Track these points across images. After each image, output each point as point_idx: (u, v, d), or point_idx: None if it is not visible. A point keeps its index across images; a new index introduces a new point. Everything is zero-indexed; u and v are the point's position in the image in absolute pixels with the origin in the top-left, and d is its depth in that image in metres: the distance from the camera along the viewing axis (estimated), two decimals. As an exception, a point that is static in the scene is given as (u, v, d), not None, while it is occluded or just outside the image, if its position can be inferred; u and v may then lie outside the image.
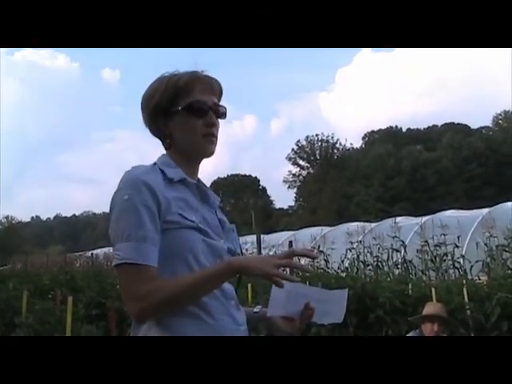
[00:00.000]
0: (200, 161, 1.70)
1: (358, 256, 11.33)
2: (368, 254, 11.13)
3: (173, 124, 1.63)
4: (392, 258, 10.82)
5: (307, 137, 61.75)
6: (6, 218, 67.78)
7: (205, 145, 1.64)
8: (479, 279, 8.10)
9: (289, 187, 62.49)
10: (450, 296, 6.03)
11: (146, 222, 1.45)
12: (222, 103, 1.70)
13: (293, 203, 63.53)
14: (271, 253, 12.46)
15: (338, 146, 61.48)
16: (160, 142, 1.70)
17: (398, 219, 13.61)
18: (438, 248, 10.01)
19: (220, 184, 59.73)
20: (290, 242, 11.06)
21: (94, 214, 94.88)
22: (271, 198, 66.42)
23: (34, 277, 12.58)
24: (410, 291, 6.53)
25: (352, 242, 12.09)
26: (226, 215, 1.73)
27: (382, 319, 6.07)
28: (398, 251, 10.87)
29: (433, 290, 5.86)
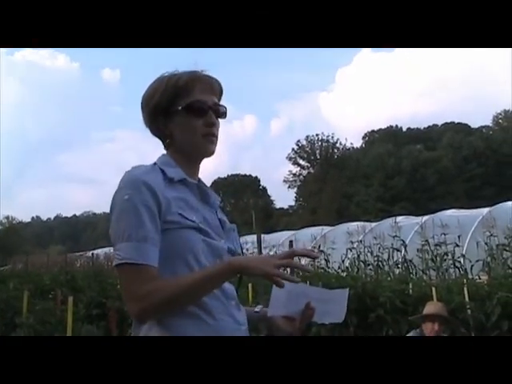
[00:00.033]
0: (200, 161, 1.69)
1: (358, 256, 11.34)
2: (368, 254, 11.14)
3: (173, 124, 1.63)
4: (392, 257, 10.83)
5: (307, 136, 61.82)
6: (7, 218, 67.84)
7: (205, 145, 1.64)
8: (480, 278, 8.11)
9: (289, 187, 62.56)
10: (450, 295, 6.04)
11: (146, 222, 1.45)
12: (222, 103, 1.70)
13: (293, 203, 63.61)
14: (272, 252, 12.46)
15: (338, 145, 61.53)
16: (160, 142, 1.69)
17: (399, 219, 13.63)
18: (438, 247, 10.02)
19: (220, 184, 59.71)
20: (291, 242, 11.07)
21: (95, 214, 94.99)
22: (271, 198, 66.49)
23: (35, 277, 12.58)
24: (411, 291, 6.54)
25: (352, 242, 12.10)
26: (226, 215, 1.73)
27: (382, 319, 6.07)
28: (398, 251, 10.88)
29: (433, 289, 5.86)
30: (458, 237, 10.27)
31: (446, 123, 61.68)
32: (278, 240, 16.23)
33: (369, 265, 10.84)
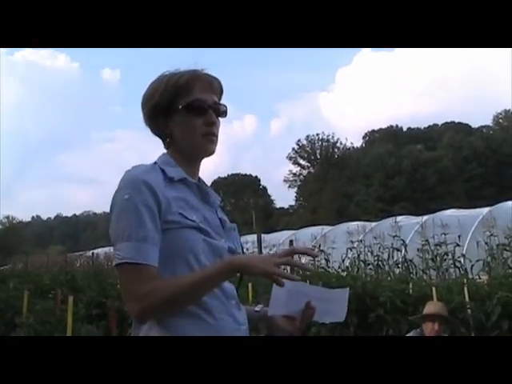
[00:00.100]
0: (200, 160, 1.69)
1: (358, 255, 11.35)
2: (368, 254, 11.16)
3: (173, 123, 1.63)
4: (392, 257, 10.84)
5: (308, 136, 61.82)
6: (7, 217, 67.82)
7: (205, 144, 1.63)
8: (480, 278, 8.11)
9: (289, 187, 62.56)
10: (450, 295, 6.04)
11: (146, 222, 1.45)
12: (222, 102, 1.70)
13: (293, 202, 63.61)
14: (272, 252, 12.46)
15: (338, 145, 61.55)
16: (160, 142, 1.69)
17: (399, 218, 13.64)
18: (438, 247, 10.03)
19: (220, 183, 59.69)
20: (291, 242, 11.08)
21: (95, 213, 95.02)
22: (272, 198, 66.49)
23: (35, 277, 12.59)
24: (411, 290, 6.54)
25: (352, 242, 12.11)
26: (226, 215, 1.72)
27: (382, 318, 6.07)
28: (398, 250, 10.89)
29: (433, 289, 5.86)
30: (458, 237, 10.28)
31: (447, 123, 61.67)
32: (278, 240, 16.23)
33: (369, 264, 10.85)
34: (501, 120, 61.73)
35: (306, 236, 15.51)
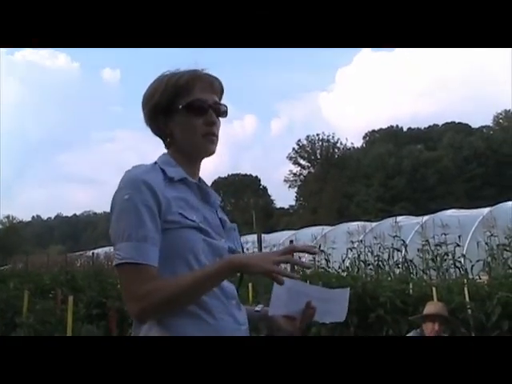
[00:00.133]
0: (201, 160, 1.69)
1: (358, 255, 11.34)
2: (369, 254, 11.15)
3: (173, 123, 1.63)
4: (393, 257, 10.84)
5: (308, 136, 61.85)
6: (7, 217, 67.84)
7: (205, 144, 1.63)
8: (480, 278, 8.11)
9: (289, 187, 62.57)
10: (450, 295, 6.04)
11: (146, 222, 1.44)
12: (222, 102, 1.69)
13: (293, 203, 63.63)
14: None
15: (338, 145, 61.58)
16: (160, 142, 1.69)
17: (399, 218, 13.63)
18: (438, 247, 10.03)
19: (221, 183, 59.70)
20: (291, 242, 11.05)
21: (95, 213, 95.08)
22: (272, 198, 66.52)
23: (35, 276, 12.59)
24: (411, 291, 6.53)
25: (353, 242, 12.10)
26: (226, 215, 1.72)
27: (382, 319, 6.07)
28: (398, 250, 10.88)
29: (434, 289, 5.86)
30: (459, 237, 10.28)
31: (447, 123, 61.67)
32: (278, 240, 16.21)
33: (369, 265, 10.85)
34: (501, 120, 61.73)
35: (306, 236, 15.50)
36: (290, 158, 62.49)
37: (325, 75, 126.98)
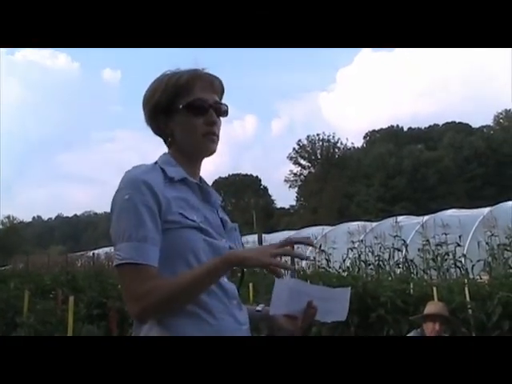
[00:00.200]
0: (201, 160, 1.69)
1: (359, 255, 11.35)
2: (369, 254, 11.16)
3: (173, 123, 1.63)
4: (393, 257, 10.84)
5: (308, 136, 61.90)
6: (8, 217, 67.89)
7: (205, 144, 1.63)
8: (481, 278, 8.11)
9: (290, 187, 62.60)
10: (451, 295, 6.03)
11: (146, 222, 1.44)
12: (223, 102, 1.69)
13: (294, 203, 63.66)
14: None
15: (339, 145, 61.61)
16: (160, 142, 1.69)
17: (400, 218, 13.62)
18: (439, 247, 10.03)
19: (221, 184, 59.72)
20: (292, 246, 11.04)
21: (96, 213, 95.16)
22: (272, 198, 66.55)
23: (36, 277, 12.61)
24: (412, 290, 6.53)
25: (353, 242, 12.11)
26: (227, 214, 1.72)
27: (383, 318, 6.07)
28: (399, 250, 10.89)
29: (434, 289, 5.86)
30: (459, 237, 10.28)
31: (447, 123, 61.67)
32: (278, 240, 16.15)
33: (370, 264, 10.86)
34: (501, 120, 61.73)
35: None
36: (291, 158, 62.56)
37: (325, 75, 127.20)
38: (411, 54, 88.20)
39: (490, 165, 49.41)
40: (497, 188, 44.92)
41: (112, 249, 1.58)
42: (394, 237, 11.14)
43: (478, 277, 8.45)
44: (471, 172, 49.37)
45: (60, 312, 6.74)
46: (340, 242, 12.94)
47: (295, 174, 62.50)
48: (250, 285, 6.39)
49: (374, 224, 15.20)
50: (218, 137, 1.65)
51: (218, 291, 1.51)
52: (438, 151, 52.37)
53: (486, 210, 13.69)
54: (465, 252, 10.30)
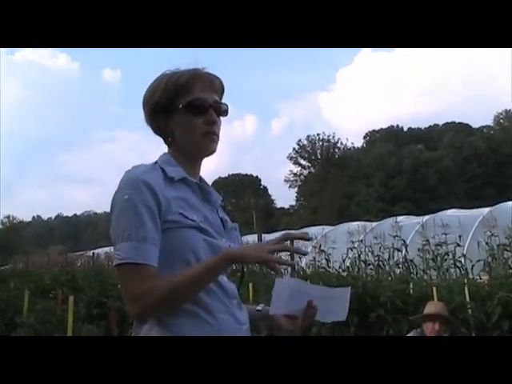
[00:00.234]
0: (201, 159, 1.69)
1: (359, 255, 11.36)
2: (369, 254, 11.16)
3: (173, 122, 1.62)
4: (393, 257, 10.85)
5: (308, 136, 61.86)
6: (7, 217, 67.89)
7: (205, 143, 1.63)
8: (480, 278, 8.12)
9: (290, 187, 62.57)
10: (451, 295, 6.04)
11: (146, 222, 1.44)
12: (223, 101, 1.69)
13: (294, 203, 63.63)
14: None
15: (339, 145, 61.59)
16: (160, 142, 1.69)
17: (399, 218, 13.62)
18: (439, 247, 10.04)
19: (221, 183, 59.68)
20: (292, 241, 11.05)
21: (95, 213, 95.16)
22: (272, 198, 66.54)
23: (35, 276, 12.62)
24: (411, 290, 6.54)
25: (353, 242, 12.11)
26: (227, 214, 1.72)
27: (383, 318, 6.07)
28: (399, 250, 10.90)
29: (434, 289, 5.86)
30: (459, 237, 10.29)
31: (447, 123, 61.65)
32: (278, 240, 16.17)
33: (369, 264, 10.86)
34: (501, 120, 61.72)
35: (307, 236, 15.46)
36: (291, 158, 62.54)
37: (325, 75, 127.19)
38: (411, 54, 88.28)
39: (490, 165, 49.41)
40: (497, 188, 44.93)
41: (112, 248, 1.58)
42: (394, 237, 11.15)
43: (477, 277, 8.45)
44: (471, 172, 49.38)
45: (60, 312, 6.74)
46: (340, 241, 12.94)
47: (295, 174, 62.54)
48: (250, 285, 6.40)
49: (374, 224, 15.20)
50: (217, 136, 1.65)
51: (218, 291, 1.51)
52: (437, 151, 52.36)
53: (486, 210, 13.69)
54: (464, 252, 10.31)
